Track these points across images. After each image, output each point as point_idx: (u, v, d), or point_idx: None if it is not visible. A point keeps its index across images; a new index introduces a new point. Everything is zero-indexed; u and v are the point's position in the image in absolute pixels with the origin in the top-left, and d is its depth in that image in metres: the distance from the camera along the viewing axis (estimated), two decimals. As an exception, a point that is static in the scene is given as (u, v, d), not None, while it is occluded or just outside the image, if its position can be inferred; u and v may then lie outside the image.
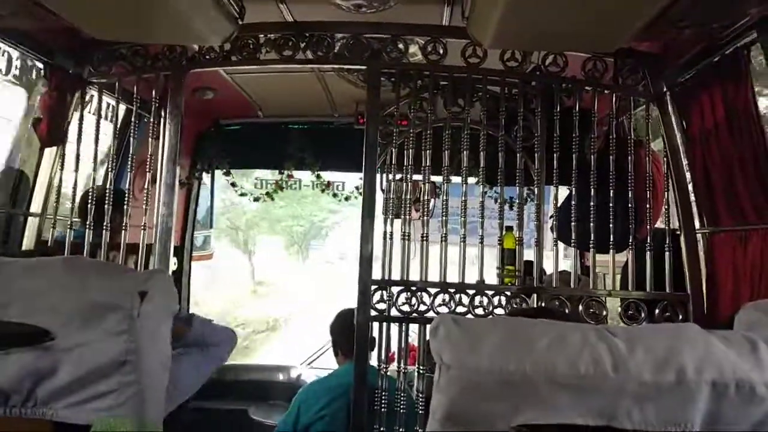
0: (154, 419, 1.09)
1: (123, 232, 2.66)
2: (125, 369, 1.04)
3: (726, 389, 0.84)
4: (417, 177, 2.77)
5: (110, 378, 1.04)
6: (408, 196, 2.73)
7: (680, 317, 2.53)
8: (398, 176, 2.84)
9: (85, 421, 1.04)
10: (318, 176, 4.28)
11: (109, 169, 2.75)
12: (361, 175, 2.68)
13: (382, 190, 2.89)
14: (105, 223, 2.62)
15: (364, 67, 2.81)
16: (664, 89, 2.69)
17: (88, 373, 1.03)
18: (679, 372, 0.84)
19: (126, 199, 2.70)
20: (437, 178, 2.81)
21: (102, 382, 1.04)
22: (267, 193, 4.47)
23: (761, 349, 0.87)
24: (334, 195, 4.44)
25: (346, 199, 4.43)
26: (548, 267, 2.74)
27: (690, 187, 2.64)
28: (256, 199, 4.57)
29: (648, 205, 2.61)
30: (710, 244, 2.55)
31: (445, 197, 2.67)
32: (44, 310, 1.04)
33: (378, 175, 2.76)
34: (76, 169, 2.70)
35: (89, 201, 2.64)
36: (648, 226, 2.63)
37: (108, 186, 2.69)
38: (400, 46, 2.71)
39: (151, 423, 1.07)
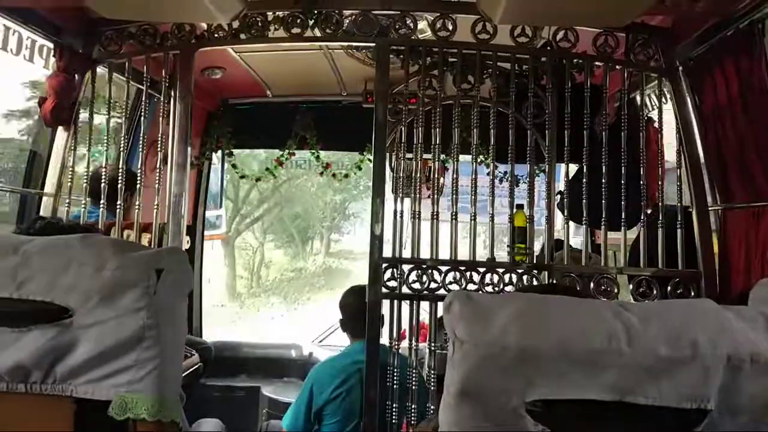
0: (171, 394, 1.11)
1: (136, 211, 2.68)
2: (143, 345, 1.05)
3: (741, 363, 0.84)
4: (427, 156, 2.76)
5: (129, 354, 1.05)
6: (418, 175, 2.73)
7: (692, 294, 2.53)
8: (408, 155, 2.83)
9: (105, 396, 1.06)
10: (317, 157, 4.27)
11: (121, 149, 2.76)
12: (364, 153, 2.67)
13: (392, 169, 2.89)
14: (118, 203, 2.65)
15: (372, 45, 2.79)
16: (677, 64, 2.65)
17: (107, 350, 1.05)
18: (693, 346, 0.84)
19: (138, 179, 2.71)
20: (447, 157, 2.81)
21: (121, 358, 1.05)
22: (267, 169, 4.48)
23: (776, 324, 0.87)
24: (334, 176, 4.44)
25: (345, 176, 4.43)
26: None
27: (702, 163, 2.62)
28: (257, 179, 4.57)
29: (660, 182, 2.60)
30: (723, 220, 2.54)
31: (454, 175, 2.66)
32: (62, 287, 1.05)
33: (387, 154, 2.75)
34: (89, 149, 2.71)
35: (101, 181, 2.66)
36: (659, 202, 2.61)
37: (120, 166, 2.70)
38: (409, 22, 2.68)
39: (168, 398, 1.09)
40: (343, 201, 17.25)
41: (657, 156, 2.64)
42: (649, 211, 2.63)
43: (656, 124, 2.73)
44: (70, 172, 2.70)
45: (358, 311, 2.65)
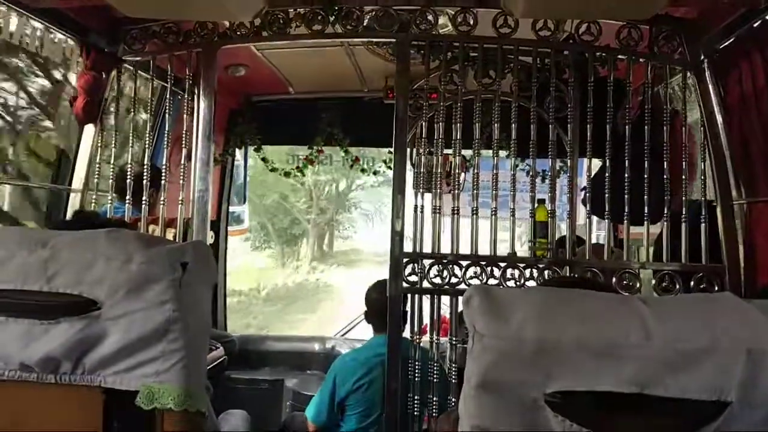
0: (197, 384, 1.13)
1: (161, 206, 2.74)
2: (169, 337, 1.08)
3: (762, 357, 0.84)
4: (447, 151, 2.76)
5: (155, 346, 1.08)
6: (438, 170, 2.73)
7: (716, 289, 2.50)
8: (429, 150, 2.84)
9: (133, 387, 1.09)
10: (346, 152, 4.30)
11: (146, 146, 2.81)
12: (390, 149, 2.68)
13: (413, 165, 2.90)
14: (144, 198, 2.70)
15: (393, 40, 2.80)
16: (702, 57, 2.61)
17: (134, 341, 1.08)
18: (714, 339, 0.84)
19: (163, 175, 2.76)
20: (468, 152, 2.80)
21: (147, 349, 1.08)
22: (297, 167, 4.51)
23: (798, 318, 0.86)
24: (363, 170, 4.48)
25: (375, 173, 4.47)
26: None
27: (727, 156, 2.58)
28: (287, 174, 4.61)
29: (684, 177, 2.57)
30: (748, 214, 2.50)
31: (476, 170, 2.66)
32: (90, 280, 1.08)
33: (408, 150, 2.76)
34: (114, 146, 2.76)
35: (126, 177, 2.71)
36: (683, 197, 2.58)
37: (146, 162, 2.75)
38: (430, 17, 2.68)
39: (194, 388, 1.12)
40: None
41: (682, 150, 2.60)
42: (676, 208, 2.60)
43: (682, 118, 2.70)
44: (97, 169, 2.75)
45: (383, 305, 2.67)
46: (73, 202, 2.82)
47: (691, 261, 2.54)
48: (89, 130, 2.82)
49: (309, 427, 2.88)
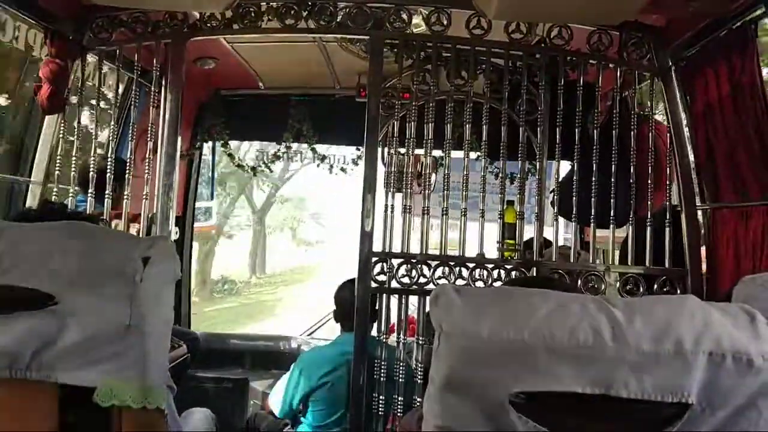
0: (157, 382, 1.10)
1: (125, 201, 2.67)
2: (129, 333, 1.05)
3: (723, 360, 0.84)
4: (419, 151, 2.76)
5: (114, 342, 1.05)
6: (409, 170, 2.73)
7: (678, 292, 2.55)
8: (400, 150, 2.83)
9: (91, 383, 1.05)
10: (313, 150, 4.27)
11: (110, 138, 2.74)
12: (359, 148, 2.67)
13: (384, 164, 2.89)
14: (107, 192, 2.63)
15: (366, 37, 2.79)
16: (669, 64, 2.66)
17: (93, 337, 1.04)
18: (677, 342, 0.84)
19: (128, 168, 2.69)
20: (439, 152, 2.81)
21: (106, 345, 1.05)
22: (264, 163, 4.47)
23: (759, 321, 0.87)
24: (330, 169, 4.45)
25: (342, 170, 4.44)
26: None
27: (692, 162, 2.63)
28: (253, 169, 4.56)
29: (649, 181, 2.61)
30: (712, 220, 2.56)
31: (446, 171, 2.66)
32: (48, 274, 1.04)
33: (379, 149, 2.75)
34: (77, 137, 2.69)
35: (90, 169, 2.64)
36: (650, 202, 2.63)
37: (109, 155, 2.68)
38: (404, 16, 2.68)
39: (154, 385, 1.09)
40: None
41: (648, 155, 2.65)
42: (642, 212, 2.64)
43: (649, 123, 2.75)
44: (59, 160, 2.68)
45: (351, 304, 2.66)
46: (34, 194, 2.73)
47: (654, 264, 2.58)
48: (51, 120, 2.74)
49: (268, 407, 2.87)
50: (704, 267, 2.58)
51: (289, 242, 20.18)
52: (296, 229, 20.26)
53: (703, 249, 2.59)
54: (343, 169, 4.43)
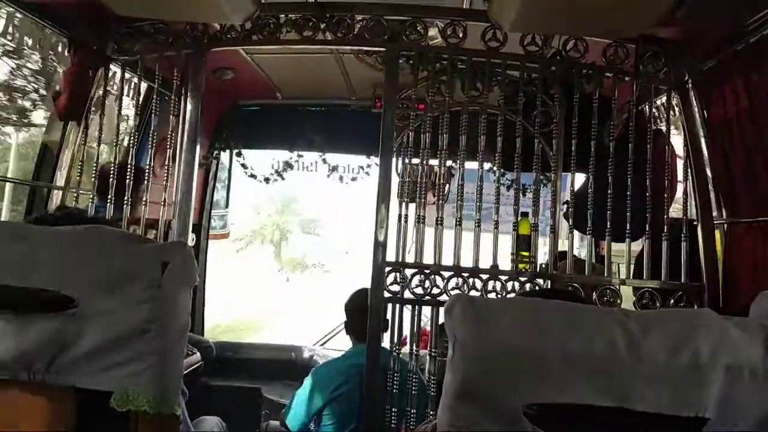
0: (173, 388, 1.11)
1: (143, 207, 2.70)
2: (146, 337, 1.06)
3: (740, 374, 0.84)
4: (433, 161, 2.77)
5: (132, 346, 1.06)
6: (424, 180, 2.73)
7: (695, 308, 2.52)
8: (414, 160, 2.84)
9: (107, 387, 1.06)
10: (324, 160, 4.32)
11: (131, 146, 2.78)
12: (371, 157, 2.68)
13: (398, 174, 2.90)
14: (126, 198, 2.66)
15: (382, 49, 2.81)
16: (686, 77, 2.65)
17: (111, 341, 1.05)
18: (693, 355, 0.84)
19: (147, 175, 2.73)
20: (452, 163, 2.82)
21: (124, 349, 1.06)
22: (277, 172, 4.50)
23: (776, 335, 0.87)
24: (341, 178, 4.49)
25: (353, 179, 4.48)
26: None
27: (709, 176, 2.61)
28: (267, 180, 4.59)
29: (666, 195, 2.59)
30: (729, 235, 2.53)
31: (460, 182, 2.66)
32: (68, 277, 1.06)
33: (394, 159, 2.76)
34: (98, 144, 2.73)
35: (109, 176, 2.67)
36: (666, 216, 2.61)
37: (129, 162, 2.72)
38: (420, 28, 2.69)
39: (169, 391, 1.10)
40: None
41: (665, 169, 2.63)
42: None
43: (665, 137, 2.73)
44: (80, 167, 2.72)
45: (363, 315, 2.65)
46: (56, 199, 2.78)
47: (671, 279, 2.56)
48: (74, 126, 2.78)
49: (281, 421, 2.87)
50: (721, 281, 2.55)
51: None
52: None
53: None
54: (353, 179, 4.47)
